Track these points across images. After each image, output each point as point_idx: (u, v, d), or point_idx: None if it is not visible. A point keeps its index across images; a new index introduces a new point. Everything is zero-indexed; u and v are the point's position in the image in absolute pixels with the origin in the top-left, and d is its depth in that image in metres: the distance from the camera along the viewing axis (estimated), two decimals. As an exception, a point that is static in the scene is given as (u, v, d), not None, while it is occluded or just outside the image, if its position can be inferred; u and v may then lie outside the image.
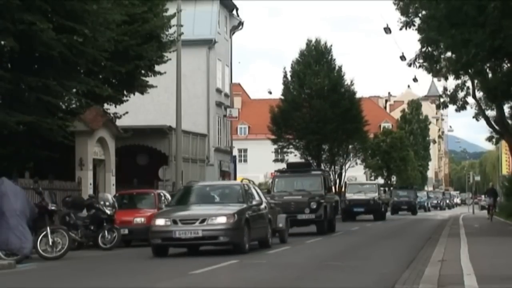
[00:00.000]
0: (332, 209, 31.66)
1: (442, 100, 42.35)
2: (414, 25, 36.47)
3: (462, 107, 40.73)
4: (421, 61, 37.45)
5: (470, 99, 41.64)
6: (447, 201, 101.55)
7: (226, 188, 22.42)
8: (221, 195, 21.62)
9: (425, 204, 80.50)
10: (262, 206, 22.05)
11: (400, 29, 36.67)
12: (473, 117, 42.96)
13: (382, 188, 52.99)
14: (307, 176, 32.41)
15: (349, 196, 48.92)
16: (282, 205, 28.62)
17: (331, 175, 60.40)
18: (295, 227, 29.98)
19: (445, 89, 41.30)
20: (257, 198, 21.86)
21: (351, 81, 60.74)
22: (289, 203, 29.76)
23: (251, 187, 22.65)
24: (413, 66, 37.83)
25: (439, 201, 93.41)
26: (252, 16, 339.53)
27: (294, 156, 62.22)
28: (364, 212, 48.13)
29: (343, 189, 53.17)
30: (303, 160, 59.14)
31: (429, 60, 37.49)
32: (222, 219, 19.48)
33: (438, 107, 48.59)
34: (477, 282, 11.39)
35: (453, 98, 40.84)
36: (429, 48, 36.71)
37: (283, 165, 64.87)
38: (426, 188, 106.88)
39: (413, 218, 54.84)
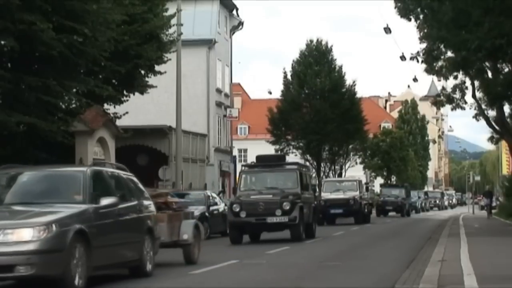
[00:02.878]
0: (310, 210, 27.17)
1: (439, 99, 42.38)
2: (411, 19, 36.64)
3: (457, 105, 40.75)
4: (424, 56, 37.57)
5: (470, 99, 41.74)
6: (437, 201, 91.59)
7: (58, 178, 13.52)
8: (50, 189, 13.09)
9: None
10: (129, 208, 13.74)
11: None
12: (473, 117, 43.00)
13: (365, 186, 45.69)
14: (279, 171, 27.23)
15: (326, 195, 42.11)
16: (249, 206, 25.18)
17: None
18: (266, 232, 26.43)
19: (443, 88, 41.38)
20: (120, 193, 13.57)
21: (354, 82, 60.88)
22: (257, 203, 25.28)
23: (108, 175, 13.93)
24: (415, 60, 37.98)
25: (420, 202, 78.59)
26: (251, 16, 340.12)
27: (294, 156, 62.32)
28: (342, 214, 41.35)
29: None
30: (300, 157, 58.91)
31: (429, 58, 37.60)
32: (26, 234, 11.33)
33: (435, 105, 48.38)
34: (477, 282, 11.39)
35: (449, 98, 40.91)
36: (429, 45, 36.81)
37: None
38: (426, 188, 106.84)
39: (400, 220, 48.03)
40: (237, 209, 25.18)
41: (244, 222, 25.15)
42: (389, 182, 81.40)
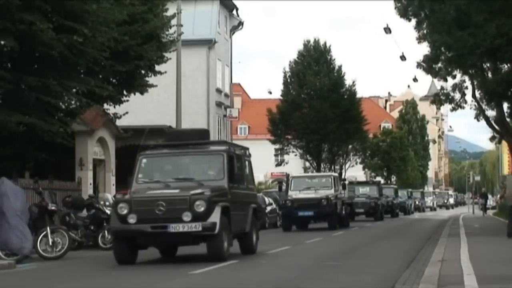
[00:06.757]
0: (247, 214, 18.98)
1: (437, 98, 42.38)
2: (411, 19, 36.71)
3: (457, 105, 40.76)
4: (427, 61, 37.62)
5: (469, 99, 41.74)
6: (416, 202, 76.97)
7: None
8: None
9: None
10: None
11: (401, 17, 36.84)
12: (474, 118, 43.00)
13: (342, 182, 37.48)
14: (198, 154, 18.64)
15: (293, 194, 34.29)
16: (142, 207, 16.81)
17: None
18: (175, 246, 18.94)
19: (442, 88, 41.38)
20: None
21: (353, 82, 60.85)
22: (155, 202, 16.78)
23: None
24: (420, 68, 38.05)
25: (409, 203, 68.51)
26: (250, 16, 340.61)
27: (294, 156, 62.35)
28: (313, 217, 34.13)
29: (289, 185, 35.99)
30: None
31: (432, 60, 37.64)
32: None
33: (434, 103, 48.23)
34: (477, 282, 11.39)
35: (448, 96, 40.91)
36: (433, 50, 36.85)
37: (284, 169, 64.70)
38: (426, 188, 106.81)
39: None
40: (125, 211, 16.87)
41: (134, 231, 16.79)
42: (389, 182, 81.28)
